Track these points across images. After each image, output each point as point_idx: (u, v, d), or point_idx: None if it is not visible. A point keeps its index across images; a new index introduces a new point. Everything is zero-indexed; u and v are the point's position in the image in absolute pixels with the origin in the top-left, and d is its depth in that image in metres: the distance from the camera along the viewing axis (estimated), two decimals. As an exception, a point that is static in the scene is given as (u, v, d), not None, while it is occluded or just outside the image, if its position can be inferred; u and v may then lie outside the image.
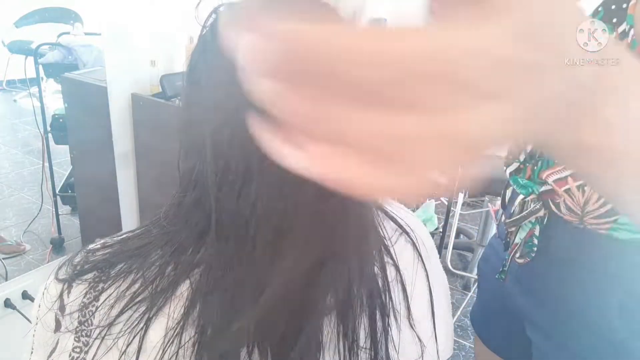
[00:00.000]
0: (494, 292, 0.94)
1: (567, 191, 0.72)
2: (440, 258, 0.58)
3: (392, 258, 0.51)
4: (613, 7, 0.66)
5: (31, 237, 2.43)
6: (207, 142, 0.42)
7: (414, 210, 2.65)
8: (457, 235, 2.53)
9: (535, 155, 0.79)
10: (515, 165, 0.84)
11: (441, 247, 2.42)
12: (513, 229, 0.82)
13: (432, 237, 0.61)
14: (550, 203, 0.75)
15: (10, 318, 1.55)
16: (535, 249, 0.78)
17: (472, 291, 2.45)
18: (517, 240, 0.82)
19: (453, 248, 2.55)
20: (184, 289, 0.43)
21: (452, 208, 2.24)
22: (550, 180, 0.74)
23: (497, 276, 0.87)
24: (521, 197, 0.80)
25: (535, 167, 0.79)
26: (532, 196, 0.79)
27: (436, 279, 0.55)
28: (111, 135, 1.80)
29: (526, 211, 0.79)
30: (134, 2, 1.68)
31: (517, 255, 0.81)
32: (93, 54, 2.81)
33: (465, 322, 2.24)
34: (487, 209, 2.55)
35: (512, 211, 0.82)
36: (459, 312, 2.30)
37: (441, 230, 2.42)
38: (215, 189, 0.42)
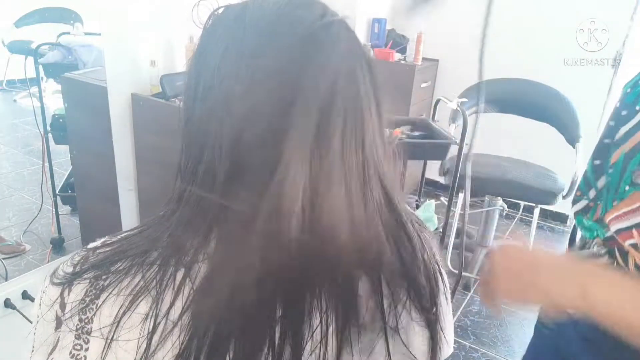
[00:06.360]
0: (549, 336, 0.85)
1: (635, 247, 0.61)
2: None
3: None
4: None
5: (31, 237, 2.43)
6: (215, 141, 0.42)
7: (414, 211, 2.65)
8: (457, 235, 2.53)
9: (609, 191, 0.67)
10: (582, 204, 0.73)
11: (441, 247, 2.42)
12: None
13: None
14: (617, 253, 0.65)
15: (10, 318, 1.55)
16: None
17: (472, 291, 2.45)
18: None
19: (453, 248, 2.55)
20: (185, 286, 0.43)
21: (452, 208, 2.24)
22: (612, 228, 0.64)
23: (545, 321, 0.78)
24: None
25: (606, 207, 0.67)
26: (596, 240, 0.70)
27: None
28: (111, 135, 1.80)
29: (587, 251, 0.69)
30: (134, 2, 1.68)
31: None
32: (93, 54, 2.80)
33: (465, 322, 2.24)
34: (487, 209, 2.55)
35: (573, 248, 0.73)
36: (459, 312, 2.30)
37: (441, 230, 2.42)
38: (223, 186, 0.42)
